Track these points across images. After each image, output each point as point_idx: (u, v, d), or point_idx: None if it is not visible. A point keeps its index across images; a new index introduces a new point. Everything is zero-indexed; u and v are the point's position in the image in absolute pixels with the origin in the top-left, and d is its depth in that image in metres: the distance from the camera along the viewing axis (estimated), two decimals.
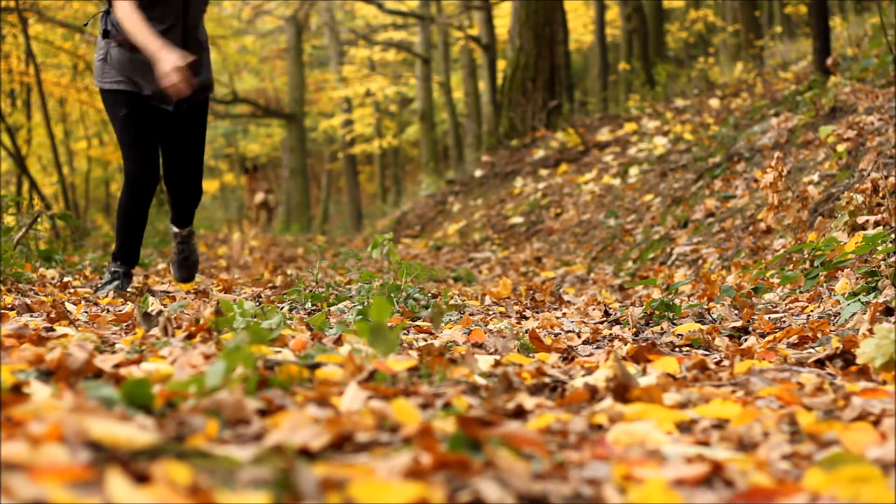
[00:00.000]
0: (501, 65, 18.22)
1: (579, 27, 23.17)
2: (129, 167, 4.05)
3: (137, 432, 1.05)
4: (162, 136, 4.10)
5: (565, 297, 4.86)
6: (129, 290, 4.11)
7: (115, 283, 4.08)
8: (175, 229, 4.41)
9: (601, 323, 3.36)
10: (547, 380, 1.84)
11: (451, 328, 2.98)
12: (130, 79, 3.93)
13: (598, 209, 9.07)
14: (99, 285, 4.20)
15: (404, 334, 2.75)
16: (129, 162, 4.04)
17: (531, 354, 2.32)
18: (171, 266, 4.52)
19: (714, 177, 7.39)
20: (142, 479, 0.94)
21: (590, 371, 1.96)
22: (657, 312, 3.26)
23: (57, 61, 17.27)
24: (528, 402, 1.57)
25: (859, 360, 1.91)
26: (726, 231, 5.94)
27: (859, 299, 2.98)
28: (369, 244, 4.08)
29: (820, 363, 2.13)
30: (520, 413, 1.52)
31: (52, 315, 2.86)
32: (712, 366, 2.07)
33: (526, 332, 2.70)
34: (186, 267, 4.46)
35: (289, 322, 2.58)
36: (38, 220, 5.86)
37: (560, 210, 9.88)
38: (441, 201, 13.51)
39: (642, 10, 17.10)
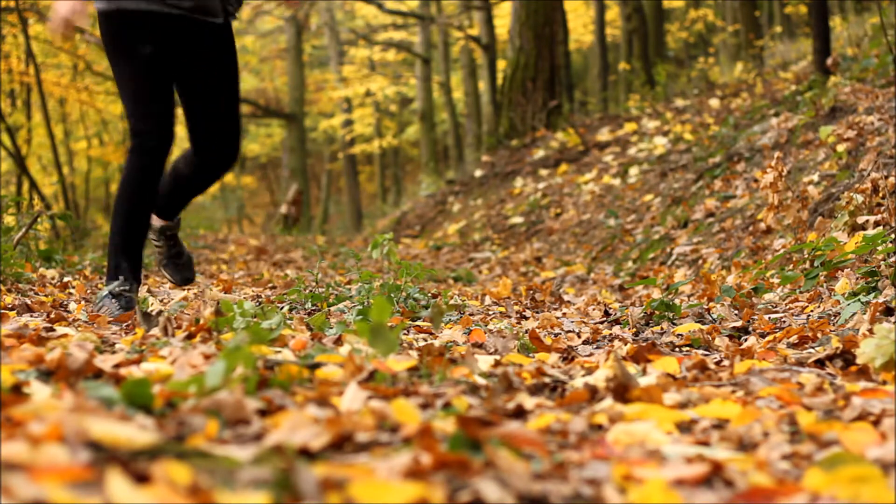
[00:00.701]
0: (501, 65, 18.22)
1: (579, 27, 23.18)
2: (140, 125, 3.06)
3: (137, 432, 1.05)
4: (191, 70, 3.17)
5: (565, 297, 4.86)
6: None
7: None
8: (162, 222, 3.39)
9: (601, 323, 3.36)
10: (547, 380, 1.84)
11: (451, 328, 2.98)
12: None
13: (598, 209, 9.07)
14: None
15: (404, 334, 2.75)
16: (142, 117, 3.05)
17: (531, 354, 2.32)
18: (163, 269, 3.53)
19: (714, 177, 7.39)
20: (142, 479, 0.94)
21: (590, 371, 1.96)
22: (657, 312, 3.26)
23: (57, 61, 17.29)
24: (528, 402, 1.57)
25: (859, 360, 1.91)
26: (726, 231, 5.94)
27: (859, 299, 2.98)
28: (369, 244, 4.07)
29: (820, 363, 2.13)
30: (520, 413, 1.52)
31: (52, 315, 2.86)
32: (712, 366, 2.07)
33: (526, 332, 2.70)
34: (185, 266, 3.55)
35: (289, 322, 2.58)
36: (38, 220, 5.86)
37: (560, 210, 9.88)
38: (441, 201, 13.51)
39: (642, 10, 17.11)
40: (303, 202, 16.99)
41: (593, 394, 1.66)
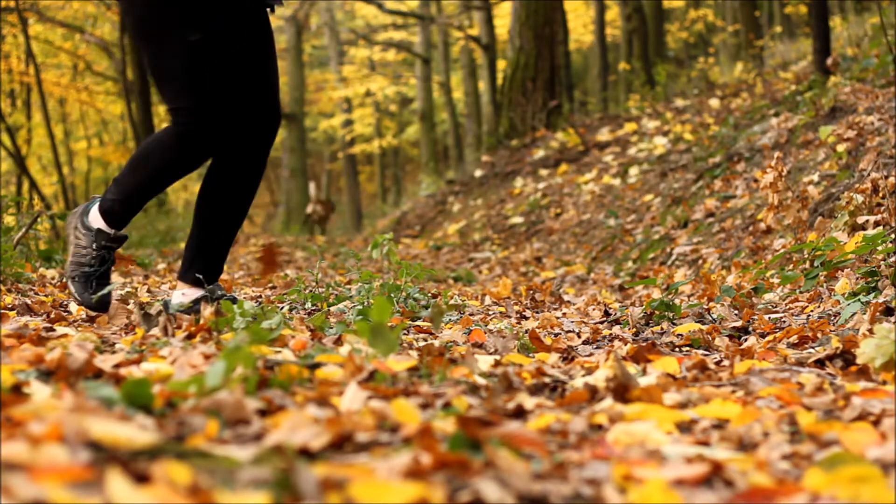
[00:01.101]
0: (501, 65, 18.23)
1: (579, 27, 23.20)
2: (197, 104, 2.62)
3: (137, 432, 1.05)
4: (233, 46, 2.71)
5: (565, 297, 4.86)
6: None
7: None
8: (200, 291, 2.85)
9: (601, 323, 3.36)
10: (547, 380, 1.84)
11: (451, 328, 2.98)
12: None
13: (598, 209, 9.07)
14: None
15: (404, 334, 2.75)
16: (202, 97, 2.62)
17: (531, 354, 2.32)
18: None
19: (714, 177, 7.39)
20: (142, 479, 0.94)
21: (590, 371, 1.96)
22: (657, 312, 3.26)
23: (57, 61, 17.30)
24: (528, 402, 1.57)
25: (859, 360, 1.90)
26: (726, 231, 5.94)
27: (859, 299, 2.98)
28: (369, 244, 4.07)
29: (820, 363, 2.13)
30: (520, 413, 1.52)
31: (52, 315, 2.86)
32: (712, 366, 2.07)
33: (526, 332, 2.70)
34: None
35: (289, 322, 2.58)
36: (38, 220, 5.86)
37: (560, 210, 9.88)
38: (441, 201, 13.52)
39: (642, 10, 17.12)
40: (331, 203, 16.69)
41: (593, 394, 1.66)
